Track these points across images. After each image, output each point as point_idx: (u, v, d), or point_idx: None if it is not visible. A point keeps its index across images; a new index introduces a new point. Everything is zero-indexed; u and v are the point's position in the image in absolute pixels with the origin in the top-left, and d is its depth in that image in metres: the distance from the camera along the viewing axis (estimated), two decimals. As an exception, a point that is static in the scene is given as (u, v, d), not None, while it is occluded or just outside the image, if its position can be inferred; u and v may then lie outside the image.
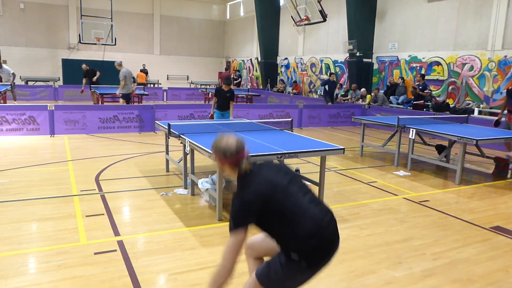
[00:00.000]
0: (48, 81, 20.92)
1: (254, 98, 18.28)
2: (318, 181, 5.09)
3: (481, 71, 11.91)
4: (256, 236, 2.59)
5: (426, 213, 4.94)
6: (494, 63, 11.56)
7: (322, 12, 16.55)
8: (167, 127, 5.65)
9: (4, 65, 14.50)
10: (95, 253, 3.55)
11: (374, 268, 3.46)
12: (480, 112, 11.59)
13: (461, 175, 6.40)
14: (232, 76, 21.85)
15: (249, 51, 25.07)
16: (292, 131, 6.18)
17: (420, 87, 12.78)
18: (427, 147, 8.53)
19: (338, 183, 6.25)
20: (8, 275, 3.15)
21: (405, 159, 7.63)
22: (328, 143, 5.29)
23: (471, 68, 12.23)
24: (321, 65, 18.83)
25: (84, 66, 15.32)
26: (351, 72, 16.17)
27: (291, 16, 18.32)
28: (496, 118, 8.49)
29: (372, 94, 14.31)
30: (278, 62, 22.08)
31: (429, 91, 12.84)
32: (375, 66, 15.91)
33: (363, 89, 14.91)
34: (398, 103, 14.04)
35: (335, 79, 14.81)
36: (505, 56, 11.28)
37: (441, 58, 13.15)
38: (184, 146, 5.24)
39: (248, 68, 25.14)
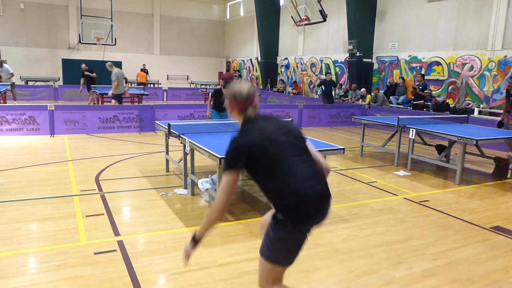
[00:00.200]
0: (48, 81, 20.92)
1: (254, 98, 18.24)
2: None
3: (481, 71, 11.91)
4: (268, 214, 2.61)
5: (426, 213, 4.94)
6: (494, 63, 11.56)
7: (322, 12, 16.55)
8: (167, 127, 5.65)
9: (4, 65, 14.51)
10: (95, 253, 3.55)
11: (374, 268, 3.46)
12: (480, 112, 11.59)
13: (461, 175, 6.39)
14: (233, 75, 21.84)
15: (249, 51, 25.07)
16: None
17: (420, 87, 12.79)
18: (427, 147, 8.53)
19: (338, 183, 6.25)
20: (8, 275, 3.15)
21: (405, 159, 7.63)
22: (328, 143, 5.29)
23: (471, 68, 12.23)
24: (321, 65, 18.83)
25: (83, 66, 15.28)
26: (351, 72, 16.17)
27: (291, 16, 18.32)
28: (498, 118, 8.49)
29: (372, 94, 14.31)
30: (278, 62, 22.08)
31: (429, 91, 12.85)
32: (375, 66, 15.91)
33: (363, 89, 14.91)
34: (398, 103, 14.04)
35: (332, 79, 14.74)
36: (505, 56, 11.28)
37: (441, 58, 13.15)
38: (184, 146, 5.24)
39: (248, 68, 25.14)
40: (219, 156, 4.12)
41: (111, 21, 20.79)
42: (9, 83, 14.13)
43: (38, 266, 3.33)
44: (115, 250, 3.63)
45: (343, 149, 4.99)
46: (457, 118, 9.13)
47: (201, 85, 23.12)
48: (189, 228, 4.20)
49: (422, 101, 12.69)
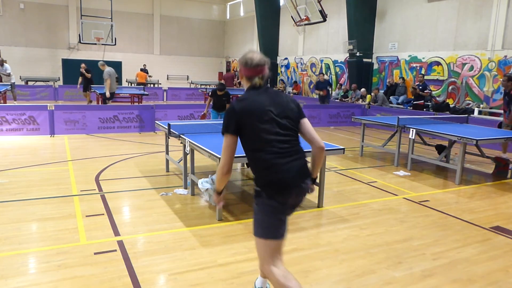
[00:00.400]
0: (48, 81, 20.91)
1: (254, 98, 18.25)
2: (318, 181, 5.09)
3: (481, 71, 11.91)
4: None
5: (426, 213, 4.94)
6: (494, 63, 11.56)
7: (322, 12, 16.55)
8: (167, 127, 5.65)
9: (5, 64, 14.51)
10: (95, 253, 3.55)
11: (374, 268, 3.46)
12: (480, 112, 11.59)
13: (461, 175, 6.40)
14: (234, 75, 21.80)
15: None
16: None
17: (420, 87, 12.79)
18: (427, 147, 8.53)
19: (338, 183, 6.25)
20: (8, 275, 3.15)
21: (405, 159, 7.63)
22: (328, 143, 5.29)
23: (471, 68, 12.23)
24: (321, 65, 18.83)
25: (83, 65, 15.21)
26: (351, 72, 16.17)
27: (291, 16, 18.32)
28: (498, 118, 8.47)
29: (372, 94, 14.31)
30: (278, 62, 22.08)
31: (429, 91, 12.85)
32: (375, 66, 15.91)
33: (363, 89, 14.91)
34: (398, 103, 14.04)
35: (326, 79, 14.70)
36: (505, 56, 11.28)
37: (441, 58, 13.15)
38: (184, 146, 5.24)
39: (248, 68, 25.10)
40: (219, 156, 4.12)
41: (111, 21, 20.79)
42: (9, 83, 14.13)
43: (38, 266, 3.33)
44: (115, 250, 3.63)
45: (343, 149, 4.99)
46: (457, 118, 9.13)
47: (201, 85, 23.12)
48: (189, 228, 4.20)
49: (422, 101, 12.69)
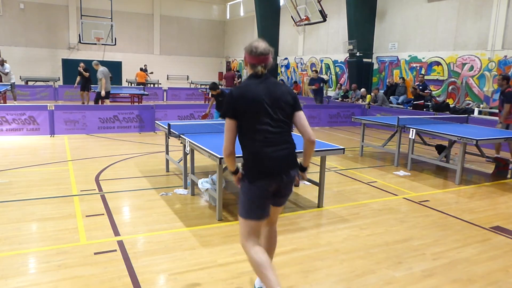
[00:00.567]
0: (48, 81, 20.92)
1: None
2: (318, 181, 5.09)
3: (481, 71, 11.91)
4: None
5: (426, 213, 4.94)
6: (494, 63, 11.56)
7: (322, 12, 16.55)
8: (167, 127, 5.65)
9: (5, 64, 14.50)
10: (95, 253, 3.55)
11: (374, 268, 3.46)
12: (480, 112, 11.59)
13: (461, 175, 6.40)
14: (234, 75, 21.77)
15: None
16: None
17: (421, 87, 12.79)
18: (427, 147, 8.53)
19: (338, 183, 6.25)
20: (8, 275, 3.15)
21: (405, 159, 7.63)
22: (328, 143, 5.29)
23: (471, 68, 12.23)
24: (321, 65, 18.83)
25: (81, 65, 15.17)
26: (351, 72, 16.17)
27: (291, 16, 18.32)
28: (496, 118, 8.48)
29: (372, 94, 14.31)
30: (278, 62, 22.07)
31: (429, 91, 12.85)
32: (375, 66, 15.91)
33: (363, 89, 14.91)
34: (398, 103, 14.04)
35: (319, 76, 14.70)
36: (505, 56, 11.28)
37: (441, 58, 13.15)
38: (184, 146, 5.24)
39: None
40: (219, 156, 4.12)
41: (111, 21, 20.79)
42: (9, 82, 14.12)
43: (38, 266, 3.33)
44: (115, 250, 3.63)
45: (343, 149, 4.99)
46: (457, 118, 9.13)
47: (201, 85, 23.12)
48: (189, 228, 4.20)
49: (422, 101, 12.69)
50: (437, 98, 13.19)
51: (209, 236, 4.02)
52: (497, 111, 11.05)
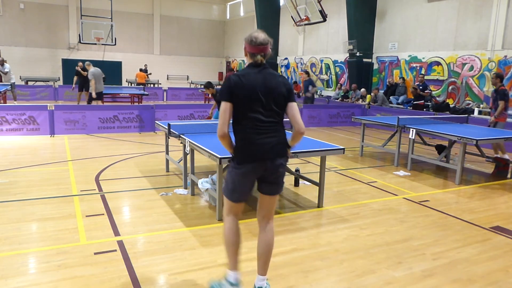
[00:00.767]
0: (48, 81, 20.92)
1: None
2: (318, 181, 5.09)
3: (481, 71, 11.91)
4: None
5: (426, 213, 4.94)
6: (494, 63, 11.56)
7: (322, 12, 16.56)
8: (167, 127, 5.65)
9: (5, 64, 14.49)
10: (95, 253, 3.55)
11: (374, 268, 3.46)
12: (480, 112, 11.59)
13: (461, 175, 6.40)
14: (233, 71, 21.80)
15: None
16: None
17: (421, 87, 12.79)
18: (427, 147, 8.53)
19: (338, 183, 6.25)
20: (8, 275, 3.15)
21: (405, 159, 7.63)
22: (328, 143, 5.29)
23: (471, 68, 12.23)
24: (321, 65, 18.84)
25: (80, 64, 15.06)
26: (351, 72, 16.17)
27: (291, 16, 18.33)
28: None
29: (372, 94, 14.31)
30: (278, 62, 22.07)
31: (429, 91, 12.85)
32: (375, 66, 15.91)
33: (363, 89, 14.91)
34: (398, 103, 14.04)
35: (310, 78, 14.28)
36: (505, 56, 11.28)
37: (441, 58, 13.16)
38: (184, 146, 5.24)
39: (248, 68, 25.13)
40: (219, 156, 4.12)
41: (111, 21, 20.79)
42: (9, 82, 14.12)
43: (38, 266, 3.33)
44: (115, 250, 3.63)
45: (343, 149, 4.99)
46: (457, 118, 9.13)
47: (201, 85, 23.11)
48: (189, 228, 4.20)
49: (422, 101, 12.69)
50: (437, 98, 13.19)
51: (209, 236, 4.02)
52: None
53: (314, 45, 19.43)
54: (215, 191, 4.59)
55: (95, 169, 6.58)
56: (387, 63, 15.39)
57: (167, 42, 26.20)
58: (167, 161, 6.65)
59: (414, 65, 14.21)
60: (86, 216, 4.46)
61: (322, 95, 18.34)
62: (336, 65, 17.95)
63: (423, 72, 13.68)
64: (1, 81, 14.32)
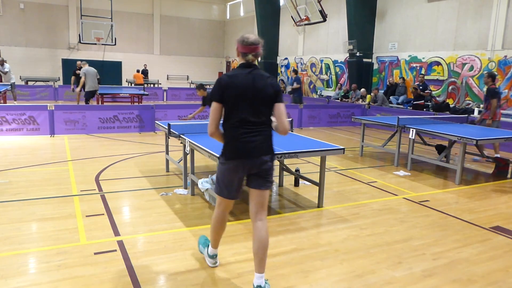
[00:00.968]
0: (48, 81, 20.92)
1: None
2: (318, 181, 5.09)
3: (481, 71, 11.91)
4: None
5: (426, 213, 4.94)
6: (494, 63, 11.56)
7: (322, 12, 16.56)
8: (167, 127, 5.65)
9: (5, 64, 14.48)
10: (95, 253, 3.55)
11: (374, 268, 3.46)
12: (480, 112, 11.58)
13: (461, 175, 6.40)
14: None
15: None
16: (292, 131, 6.18)
17: (421, 87, 12.80)
18: (427, 147, 8.53)
19: (338, 183, 6.25)
20: (8, 275, 3.15)
21: (405, 159, 7.63)
22: (328, 143, 5.29)
23: (471, 68, 12.23)
24: (321, 65, 18.83)
25: (78, 63, 15.02)
26: (351, 72, 16.17)
27: (291, 16, 18.32)
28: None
29: (372, 94, 14.32)
30: (278, 62, 22.07)
31: (429, 91, 12.85)
32: (375, 66, 15.91)
33: (363, 89, 14.91)
34: (398, 103, 14.04)
35: (298, 76, 14.92)
36: (505, 56, 11.28)
37: (441, 58, 13.16)
38: (184, 146, 5.24)
39: (248, 68, 25.10)
40: (219, 156, 4.11)
41: (111, 21, 20.79)
42: (9, 82, 14.12)
43: (38, 266, 3.33)
44: (115, 250, 3.63)
45: (343, 149, 4.99)
46: (457, 118, 9.12)
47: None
48: (189, 228, 4.20)
49: (422, 101, 12.69)
50: (437, 98, 13.19)
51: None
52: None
53: (314, 45, 19.43)
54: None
55: (95, 169, 6.58)
56: (387, 63, 15.39)
57: (167, 42, 26.20)
58: (167, 161, 6.65)
59: (414, 65, 14.21)
60: (86, 216, 4.46)
61: (322, 95, 18.34)
62: (336, 65, 17.95)
63: (423, 72, 13.68)
64: (1, 81, 14.32)
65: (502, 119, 8.52)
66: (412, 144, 7.28)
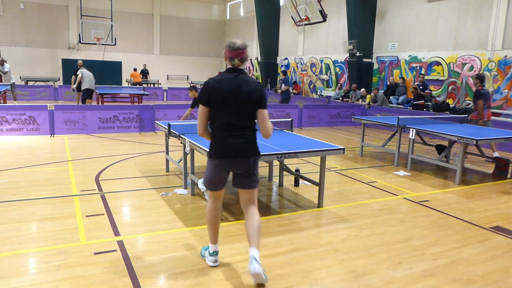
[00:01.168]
0: (48, 81, 20.92)
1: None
2: (318, 181, 5.09)
3: (481, 71, 11.90)
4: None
5: (426, 213, 4.94)
6: (494, 63, 11.56)
7: (322, 12, 16.56)
8: (167, 127, 5.65)
9: (5, 64, 14.48)
10: (95, 253, 3.55)
11: (374, 268, 3.46)
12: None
13: (461, 175, 6.40)
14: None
15: (249, 51, 24.90)
16: (292, 131, 6.18)
17: (421, 87, 12.79)
18: (427, 147, 8.53)
19: (338, 183, 6.25)
20: (8, 275, 3.15)
21: (405, 159, 7.63)
22: (328, 143, 5.29)
23: (471, 68, 12.23)
24: (321, 65, 18.83)
25: (79, 62, 14.95)
26: (351, 72, 16.17)
27: (291, 16, 18.32)
28: (498, 119, 8.56)
29: (372, 94, 14.32)
30: (278, 62, 22.07)
31: (429, 91, 12.85)
32: (375, 66, 15.91)
33: (363, 89, 14.91)
34: (398, 103, 14.04)
35: (286, 76, 15.28)
36: (505, 56, 11.28)
37: (441, 58, 13.15)
38: (184, 146, 5.24)
39: (248, 68, 25.15)
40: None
41: (111, 21, 20.79)
42: (9, 82, 14.12)
43: (38, 266, 3.33)
44: (115, 250, 3.63)
45: (343, 149, 4.99)
46: (457, 118, 9.13)
47: (201, 85, 23.04)
48: (189, 228, 4.20)
49: (422, 101, 12.69)
50: (437, 98, 13.19)
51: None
52: (497, 111, 11.10)
53: (314, 45, 19.43)
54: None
55: (95, 169, 6.58)
56: (387, 63, 15.38)
57: (167, 42, 26.20)
58: (167, 161, 6.65)
59: (414, 65, 14.21)
60: (86, 216, 4.46)
61: (322, 95, 18.34)
62: (336, 65, 17.95)
63: (423, 72, 13.68)
64: (1, 81, 14.32)
65: (503, 119, 8.55)
66: (412, 144, 7.28)
